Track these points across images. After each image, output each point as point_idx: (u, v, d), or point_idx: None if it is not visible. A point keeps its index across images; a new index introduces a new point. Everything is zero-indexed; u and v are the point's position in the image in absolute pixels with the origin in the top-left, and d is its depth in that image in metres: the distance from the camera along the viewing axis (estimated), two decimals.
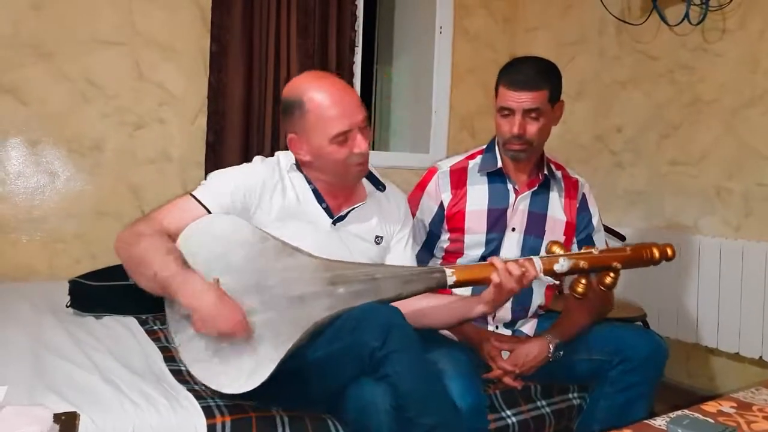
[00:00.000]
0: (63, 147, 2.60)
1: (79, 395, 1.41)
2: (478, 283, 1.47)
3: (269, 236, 1.42)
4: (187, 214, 1.43)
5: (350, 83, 3.03)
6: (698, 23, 2.57)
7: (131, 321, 2.07)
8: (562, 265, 1.44)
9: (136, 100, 2.70)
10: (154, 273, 1.32)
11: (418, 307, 1.56)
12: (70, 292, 2.15)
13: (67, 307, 2.14)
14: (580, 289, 1.48)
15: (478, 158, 1.83)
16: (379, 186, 1.64)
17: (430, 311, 1.57)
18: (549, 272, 1.44)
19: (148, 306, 2.17)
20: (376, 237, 1.61)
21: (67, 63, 2.57)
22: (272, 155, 1.61)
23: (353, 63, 3.04)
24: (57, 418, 1.01)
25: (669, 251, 1.51)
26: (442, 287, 1.44)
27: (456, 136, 3.46)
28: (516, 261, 1.43)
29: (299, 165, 1.56)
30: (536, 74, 1.66)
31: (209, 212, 1.44)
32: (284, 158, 1.58)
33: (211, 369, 1.35)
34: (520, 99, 1.65)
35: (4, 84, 2.49)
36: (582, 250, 1.49)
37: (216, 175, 1.54)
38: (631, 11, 2.89)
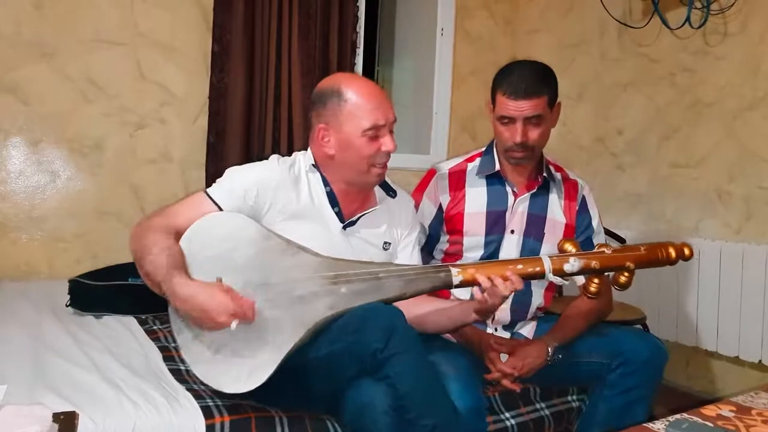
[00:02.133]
0: (64, 146, 2.60)
1: (79, 395, 1.41)
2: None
3: (273, 235, 1.43)
4: (199, 211, 1.45)
5: None
6: (699, 26, 2.57)
7: (131, 321, 2.08)
8: (572, 265, 1.40)
9: (138, 100, 2.70)
10: (148, 272, 1.34)
11: (418, 313, 1.57)
12: (70, 292, 2.15)
13: (66, 306, 2.14)
14: (593, 288, 1.44)
15: (477, 161, 1.83)
16: (390, 192, 1.65)
17: (429, 317, 1.57)
18: (558, 272, 1.41)
19: (147, 306, 2.18)
20: (385, 243, 1.62)
21: (69, 63, 2.58)
22: (281, 156, 1.61)
23: (354, 64, 3.04)
24: (56, 417, 1.01)
25: (686, 251, 1.45)
26: (447, 287, 1.43)
27: (457, 138, 3.47)
28: (523, 266, 1.40)
29: (318, 166, 1.56)
30: (535, 81, 1.65)
31: (221, 210, 1.46)
32: (303, 158, 1.59)
33: (212, 369, 1.36)
34: (521, 107, 1.64)
35: (6, 83, 2.49)
36: (594, 249, 1.45)
37: (231, 172, 1.54)
38: (632, 14, 2.90)
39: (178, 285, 1.29)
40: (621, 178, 2.97)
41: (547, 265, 1.41)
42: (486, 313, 1.48)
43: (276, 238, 1.42)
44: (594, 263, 1.41)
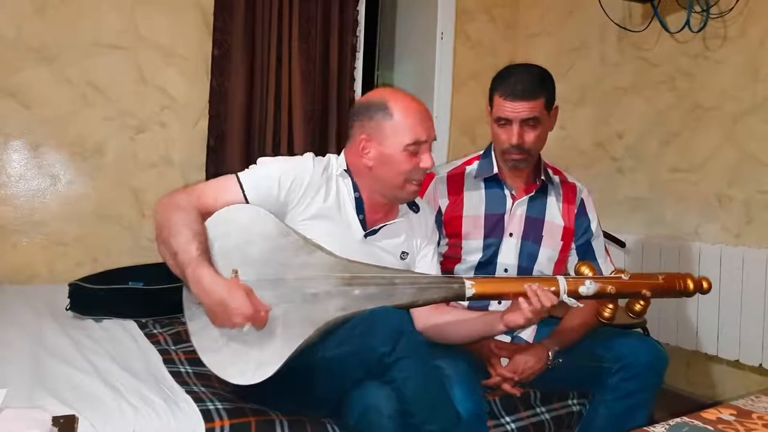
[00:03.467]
0: (65, 150, 2.60)
1: (79, 398, 1.41)
2: (498, 298, 1.46)
3: (292, 231, 1.43)
4: (226, 196, 1.46)
5: (351, 88, 3.05)
6: (699, 30, 2.57)
7: (131, 324, 2.07)
8: (588, 288, 1.40)
9: (138, 103, 2.71)
10: (176, 252, 1.33)
11: (440, 321, 1.58)
12: (70, 295, 2.15)
13: (66, 310, 2.14)
14: (606, 314, 1.44)
15: (475, 164, 1.83)
16: (413, 207, 1.67)
17: (451, 327, 1.58)
18: (573, 293, 1.41)
19: (147, 309, 2.18)
20: (402, 252, 1.62)
21: (70, 66, 2.58)
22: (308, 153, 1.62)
23: (354, 68, 3.05)
24: (56, 421, 1.01)
25: (705, 284, 1.45)
26: (459, 299, 1.44)
27: (457, 142, 3.47)
28: (538, 285, 1.41)
29: (350, 172, 1.57)
30: (532, 83, 1.66)
31: (246, 199, 1.46)
32: (335, 162, 1.60)
33: (221, 359, 1.36)
34: (517, 109, 1.65)
35: (7, 87, 2.50)
36: (611, 274, 1.45)
37: (266, 161, 1.55)
38: (632, 18, 2.90)
39: (204, 275, 1.29)
40: (621, 183, 2.97)
41: (563, 285, 1.41)
42: (515, 327, 1.48)
43: (294, 234, 1.43)
44: (610, 288, 1.41)
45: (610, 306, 1.44)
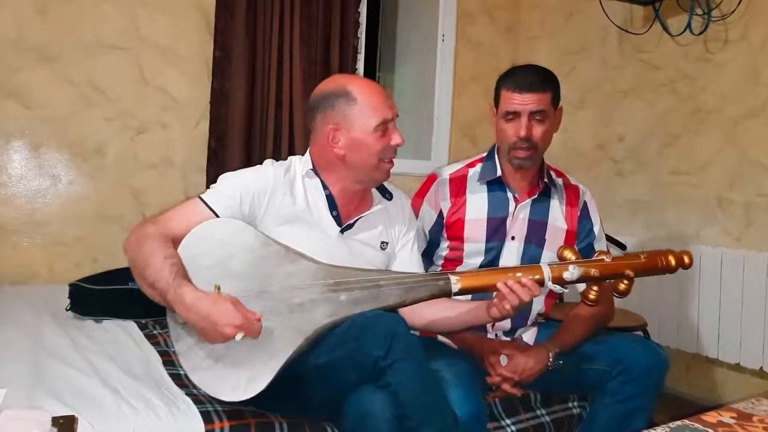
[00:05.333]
0: (65, 151, 2.61)
1: (78, 399, 1.41)
2: (483, 291, 1.46)
3: (272, 241, 1.42)
4: (194, 218, 1.43)
5: None
6: (700, 33, 2.58)
7: (131, 325, 2.07)
8: (572, 273, 1.41)
9: (139, 104, 2.71)
10: (153, 282, 1.31)
11: (429, 314, 1.58)
12: (70, 296, 2.15)
13: (66, 310, 2.14)
14: (591, 296, 1.45)
15: (478, 166, 1.83)
16: (386, 195, 1.66)
17: (440, 319, 1.58)
18: (558, 280, 1.41)
19: (147, 310, 2.17)
20: (382, 243, 1.62)
21: (71, 67, 2.58)
22: (275, 160, 1.61)
23: (356, 69, 3.05)
24: (55, 421, 1.01)
25: (686, 259, 1.46)
26: (446, 295, 1.43)
27: (457, 144, 3.47)
28: (522, 274, 1.41)
29: (317, 170, 1.56)
30: (539, 77, 1.68)
31: (217, 216, 1.44)
32: (299, 163, 1.59)
33: (211, 377, 1.35)
34: (526, 101, 1.66)
35: (8, 87, 2.50)
36: (594, 258, 1.46)
37: (226, 177, 1.54)
38: (633, 21, 2.91)
39: (185, 294, 1.27)
40: (621, 185, 2.97)
41: (547, 273, 1.41)
42: (501, 318, 1.49)
43: (275, 245, 1.42)
44: (593, 271, 1.42)
45: (595, 288, 1.45)
